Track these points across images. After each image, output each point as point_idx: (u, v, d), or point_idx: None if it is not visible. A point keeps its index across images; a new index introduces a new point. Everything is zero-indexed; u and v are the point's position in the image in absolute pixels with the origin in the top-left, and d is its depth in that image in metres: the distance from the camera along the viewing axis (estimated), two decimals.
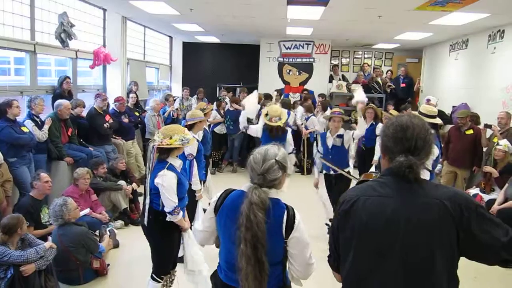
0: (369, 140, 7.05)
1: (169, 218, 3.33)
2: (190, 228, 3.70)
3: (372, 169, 6.49)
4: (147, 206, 3.40)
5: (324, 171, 5.45)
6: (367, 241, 1.65)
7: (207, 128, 6.06)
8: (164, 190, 3.27)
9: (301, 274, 2.17)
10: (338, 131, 5.30)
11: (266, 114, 5.59)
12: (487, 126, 6.41)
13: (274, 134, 5.49)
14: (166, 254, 3.52)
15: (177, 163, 3.45)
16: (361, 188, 1.76)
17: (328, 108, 8.57)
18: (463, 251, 1.63)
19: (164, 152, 3.37)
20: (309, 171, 9.10)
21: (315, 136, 8.59)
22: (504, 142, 5.88)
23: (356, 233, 1.66)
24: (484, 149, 6.51)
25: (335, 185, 5.26)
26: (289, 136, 5.80)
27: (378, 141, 6.47)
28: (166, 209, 3.30)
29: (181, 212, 3.38)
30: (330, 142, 5.35)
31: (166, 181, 3.26)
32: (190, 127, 4.63)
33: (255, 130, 5.91)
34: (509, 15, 6.62)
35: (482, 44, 8.18)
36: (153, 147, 3.34)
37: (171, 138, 3.33)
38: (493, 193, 5.81)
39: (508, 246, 1.59)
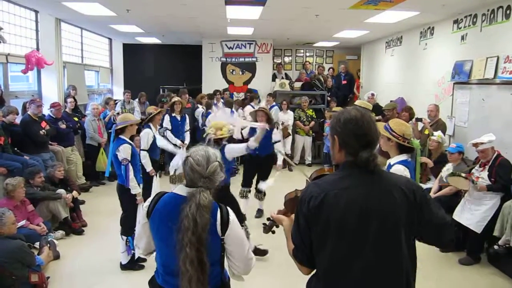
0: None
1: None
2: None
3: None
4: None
5: None
6: (344, 230, 1.75)
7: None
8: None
9: (241, 270, 2.18)
10: None
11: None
12: (418, 119, 6.73)
13: None
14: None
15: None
16: (324, 183, 1.84)
17: None
18: (418, 232, 1.87)
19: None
20: None
21: None
22: (437, 133, 6.17)
23: (332, 225, 1.75)
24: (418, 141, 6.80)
25: None
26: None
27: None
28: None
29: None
30: None
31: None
32: (121, 131, 4.49)
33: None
34: (437, 13, 6.96)
35: (415, 41, 8.56)
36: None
37: (221, 129, 4.47)
38: (429, 182, 6.06)
39: (451, 225, 1.93)
